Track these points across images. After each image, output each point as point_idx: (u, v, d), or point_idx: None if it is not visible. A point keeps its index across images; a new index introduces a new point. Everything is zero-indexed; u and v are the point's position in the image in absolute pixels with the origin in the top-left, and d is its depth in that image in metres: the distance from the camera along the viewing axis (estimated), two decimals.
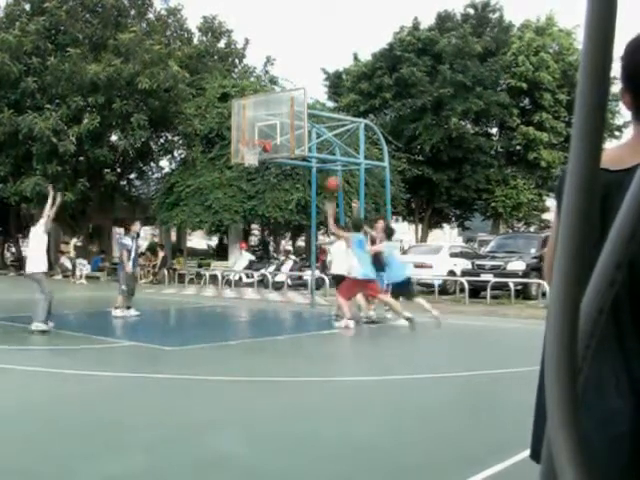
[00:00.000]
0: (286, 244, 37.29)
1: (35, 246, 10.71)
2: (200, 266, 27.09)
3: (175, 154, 28.54)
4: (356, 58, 33.26)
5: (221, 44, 30.91)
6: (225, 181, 24.00)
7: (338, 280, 12.53)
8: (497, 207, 31.48)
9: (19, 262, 35.11)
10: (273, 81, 29.29)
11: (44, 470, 4.24)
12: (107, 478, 4.08)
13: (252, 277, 22.87)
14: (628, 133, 1.69)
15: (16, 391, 6.47)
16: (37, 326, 10.22)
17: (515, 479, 4.03)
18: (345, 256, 11.90)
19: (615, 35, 0.56)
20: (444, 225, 40.18)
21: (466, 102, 28.96)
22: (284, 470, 4.26)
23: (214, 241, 40.85)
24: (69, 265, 28.02)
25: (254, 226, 32.40)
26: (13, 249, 38.97)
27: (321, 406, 6.08)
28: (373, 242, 12.14)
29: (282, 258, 25.63)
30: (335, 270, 12.91)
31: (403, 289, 11.50)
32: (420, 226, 34.25)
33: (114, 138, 26.15)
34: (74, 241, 28.44)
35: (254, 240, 36.14)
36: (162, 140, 28.73)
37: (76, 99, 23.74)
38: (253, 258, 26.40)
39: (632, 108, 1.63)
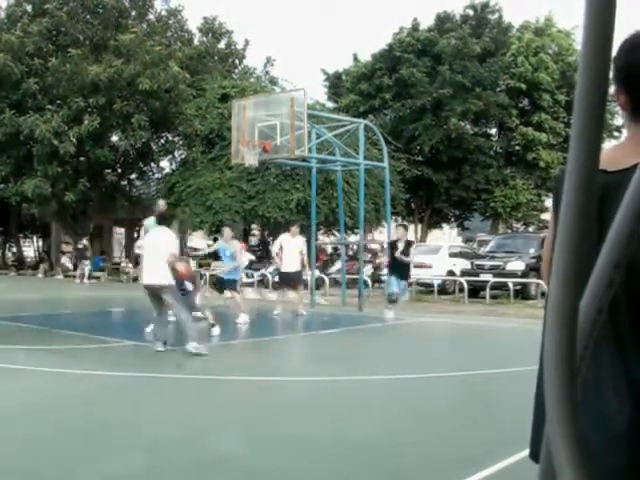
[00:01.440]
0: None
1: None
2: (200, 266, 27.06)
3: (176, 154, 28.59)
4: (356, 59, 33.28)
5: (221, 45, 30.94)
6: (225, 181, 24.03)
7: (287, 278, 13.68)
8: (496, 207, 31.48)
9: (20, 262, 35.17)
10: (273, 82, 29.32)
11: (44, 470, 4.24)
12: (107, 478, 4.07)
13: (252, 277, 22.86)
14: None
15: (16, 391, 6.46)
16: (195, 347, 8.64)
17: (513, 479, 4.03)
18: (297, 255, 13.44)
19: (614, 36, 0.56)
20: (443, 225, 40.16)
21: (465, 103, 28.96)
22: (284, 470, 4.26)
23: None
24: (70, 265, 28.02)
25: (254, 226, 32.37)
26: (14, 249, 38.97)
27: (320, 406, 6.08)
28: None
29: None
30: (286, 268, 13.68)
31: (225, 286, 13.04)
32: (420, 226, 34.25)
33: (115, 139, 26.18)
34: (84, 242, 28.53)
35: (254, 240, 36.11)
36: (163, 140, 28.77)
37: (77, 100, 23.75)
38: (253, 258, 26.38)
39: (627, 109, 1.62)
